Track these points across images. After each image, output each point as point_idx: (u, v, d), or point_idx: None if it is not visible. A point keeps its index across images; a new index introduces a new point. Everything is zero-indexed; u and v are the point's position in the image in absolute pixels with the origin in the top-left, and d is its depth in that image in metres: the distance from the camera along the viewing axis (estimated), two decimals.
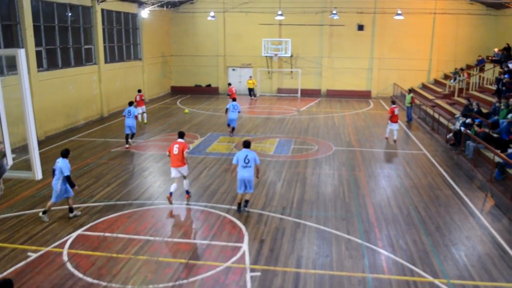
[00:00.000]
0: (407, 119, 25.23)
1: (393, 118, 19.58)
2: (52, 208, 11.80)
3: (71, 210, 11.58)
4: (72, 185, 11.30)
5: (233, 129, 21.01)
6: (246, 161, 11.50)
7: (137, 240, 10.31)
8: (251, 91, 33.39)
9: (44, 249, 9.84)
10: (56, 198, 11.17)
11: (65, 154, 11.42)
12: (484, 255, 9.84)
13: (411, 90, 26.15)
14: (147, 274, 8.88)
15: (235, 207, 12.21)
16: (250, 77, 34.11)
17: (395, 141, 19.83)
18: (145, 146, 19.07)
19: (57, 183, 11.08)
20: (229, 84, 29.15)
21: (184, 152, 12.29)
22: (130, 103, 19.29)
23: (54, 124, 21.31)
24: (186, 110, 27.61)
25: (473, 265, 9.37)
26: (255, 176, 11.78)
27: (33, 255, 9.57)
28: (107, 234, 10.60)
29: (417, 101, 27.61)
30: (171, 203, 12.32)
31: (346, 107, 30.29)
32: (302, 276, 8.86)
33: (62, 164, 11.11)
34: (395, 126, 19.73)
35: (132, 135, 18.83)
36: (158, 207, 12.41)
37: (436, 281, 8.72)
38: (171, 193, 12.26)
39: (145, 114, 23.73)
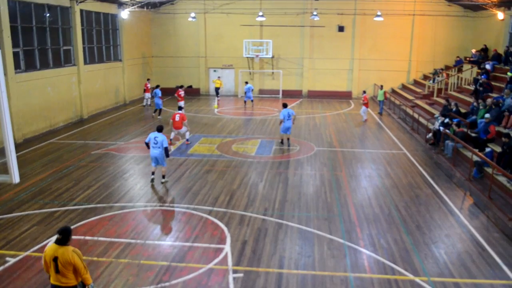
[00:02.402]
0: (379, 111, 27.94)
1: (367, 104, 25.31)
2: (31, 212, 11.66)
3: (163, 176, 14.46)
4: (167, 155, 14.02)
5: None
6: (288, 116, 18.51)
7: (118, 243, 10.21)
8: (217, 90, 33.45)
9: (23, 254, 9.67)
10: (165, 162, 14.21)
11: (160, 129, 14.05)
12: (464, 253, 10.00)
13: (382, 86, 28.11)
14: (128, 277, 8.80)
15: (217, 209, 12.21)
16: (219, 77, 34.27)
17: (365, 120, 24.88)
18: (126, 148, 18.91)
19: (159, 152, 13.76)
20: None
21: (183, 122, 18.68)
22: (157, 86, 26.44)
23: (32, 126, 20.96)
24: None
25: (452, 263, 9.52)
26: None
27: (11, 260, 9.40)
28: (87, 238, 10.47)
29: (397, 102, 27.98)
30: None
31: (328, 107, 30.49)
32: (285, 277, 8.88)
33: (163, 138, 13.77)
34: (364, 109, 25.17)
35: (160, 111, 25.84)
36: (139, 209, 12.31)
37: (417, 279, 8.83)
38: (171, 140, 18.47)
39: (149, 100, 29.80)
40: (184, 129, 18.99)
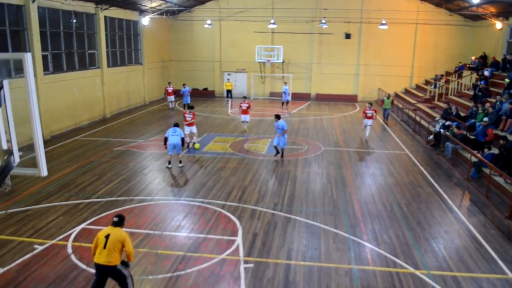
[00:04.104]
0: (385, 117, 26.00)
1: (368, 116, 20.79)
2: (57, 204, 11.79)
3: (180, 161, 15.74)
4: (183, 144, 15.41)
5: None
6: (279, 130, 16.49)
7: (137, 234, 10.26)
8: (229, 93, 33.96)
9: (50, 242, 9.77)
10: (181, 150, 15.52)
11: (177, 125, 15.55)
12: (462, 248, 9.90)
13: (390, 96, 26.26)
14: (147, 265, 8.84)
15: (230, 203, 12.23)
16: (228, 79, 34.79)
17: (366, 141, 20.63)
18: (145, 145, 18.99)
19: (178, 140, 15.06)
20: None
21: (193, 119, 18.37)
22: (184, 85, 28.14)
23: (59, 124, 21.15)
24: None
25: (451, 257, 9.42)
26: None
27: (39, 248, 9.49)
28: None
29: (400, 105, 27.75)
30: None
31: (334, 110, 30.34)
32: (293, 268, 8.86)
33: (181, 129, 15.41)
34: (368, 122, 20.71)
35: (189, 106, 24.56)
36: (157, 203, 12.35)
37: (417, 272, 8.76)
38: (194, 143, 18.53)
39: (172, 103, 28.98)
40: (194, 127, 18.58)
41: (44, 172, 5.46)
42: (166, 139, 15.22)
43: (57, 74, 21.09)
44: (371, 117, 20.50)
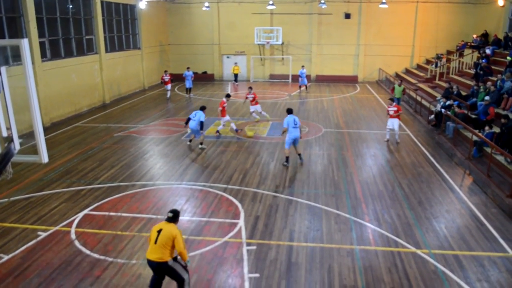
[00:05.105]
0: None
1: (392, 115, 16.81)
2: (59, 190, 11.89)
3: (200, 143, 15.93)
4: (201, 128, 15.36)
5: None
6: (295, 123, 13.80)
7: (140, 218, 10.35)
8: (236, 77, 33.63)
9: (53, 229, 9.86)
10: (199, 135, 15.69)
11: (203, 108, 15.79)
12: (463, 227, 9.97)
13: (402, 82, 22.69)
14: None
15: (232, 186, 12.28)
16: (236, 63, 34.31)
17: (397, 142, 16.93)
18: (146, 130, 19.00)
19: (195, 124, 15.30)
20: None
21: (220, 106, 17.66)
22: (188, 68, 28.08)
23: (59, 111, 21.13)
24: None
25: (452, 236, 9.50)
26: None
27: (43, 234, 9.59)
28: (112, 214, 10.63)
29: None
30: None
31: (335, 91, 30.23)
32: (295, 249, 8.95)
33: (200, 113, 15.43)
34: (395, 124, 16.68)
35: (190, 90, 27.47)
36: (159, 187, 12.42)
37: (419, 251, 8.84)
38: (236, 130, 18.07)
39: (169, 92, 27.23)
40: (223, 119, 17.92)
41: (45, 158, 5.48)
42: (188, 120, 15.66)
43: (55, 60, 20.98)
44: (393, 116, 16.59)
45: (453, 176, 13.38)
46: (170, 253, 6.78)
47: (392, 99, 18.21)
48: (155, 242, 6.71)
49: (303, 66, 30.18)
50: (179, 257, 6.98)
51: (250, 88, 20.89)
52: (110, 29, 26.92)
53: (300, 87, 29.86)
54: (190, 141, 16.39)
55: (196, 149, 15.99)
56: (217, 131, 18.10)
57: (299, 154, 14.41)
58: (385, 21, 33.18)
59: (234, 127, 18.28)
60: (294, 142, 14.02)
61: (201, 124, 15.29)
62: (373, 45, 33.93)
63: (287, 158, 14.14)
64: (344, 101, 26.35)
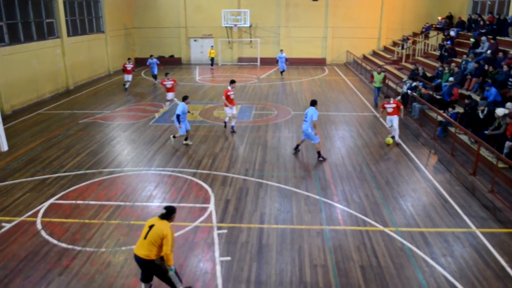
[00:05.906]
0: (375, 101, 20.60)
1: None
2: (23, 180, 11.60)
3: (186, 139, 14.78)
4: (178, 122, 13.91)
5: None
6: (305, 116, 13.01)
7: (108, 206, 10.22)
8: (212, 61, 33.09)
9: (18, 219, 9.62)
10: (180, 130, 14.17)
11: (184, 98, 14.36)
12: (428, 205, 10.30)
13: (382, 69, 21.18)
14: (119, 237, 8.86)
15: (201, 171, 12.26)
16: (212, 47, 33.85)
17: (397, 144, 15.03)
18: (112, 116, 18.64)
19: (175, 119, 14.05)
20: None
21: (224, 95, 15.69)
22: (151, 56, 26.46)
23: (20, 98, 20.42)
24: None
25: (418, 214, 9.81)
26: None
27: (7, 226, 9.35)
28: (79, 202, 10.45)
29: (368, 67, 27.96)
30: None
31: (303, 74, 30.36)
32: (266, 231, 9.05)
33: (179, 106, 13.93)
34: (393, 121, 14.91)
35: (155, 76, 26.31)
36: (128, 174, 12.27)
37: (386, 230, 9.10)
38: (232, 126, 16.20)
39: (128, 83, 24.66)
40: (225, 109, 16.07)
41: (4, 147, 5.34)
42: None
43: (14, 45, 20.16)
44: (393, 113, 14.74)
45: (419, 155, 13.74)
46: (157, 252, 6.44)
47: (388, 96, 16.50)
48: (145, 238, 6.43)
49: (281, 50, 29.04)
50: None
51: (167, 74, 19.85)
52: (72, 12, 26.06)
53: (281, 73, 28.69)
54: (174, 136, 14.72)
55: (164, 135, 15.82)
56: (225, 122, 16.73)
57: (319, 153, 13.24)
58: (352, 3, 33.43)
59: (231, 123, 16.35)
60: (308, 136, 13.13)
61: (177, 117, 13.85)
62: (341, 27, 34.16)
63: (318, 153, 13.19)
64: (313, 83, 26.52)
